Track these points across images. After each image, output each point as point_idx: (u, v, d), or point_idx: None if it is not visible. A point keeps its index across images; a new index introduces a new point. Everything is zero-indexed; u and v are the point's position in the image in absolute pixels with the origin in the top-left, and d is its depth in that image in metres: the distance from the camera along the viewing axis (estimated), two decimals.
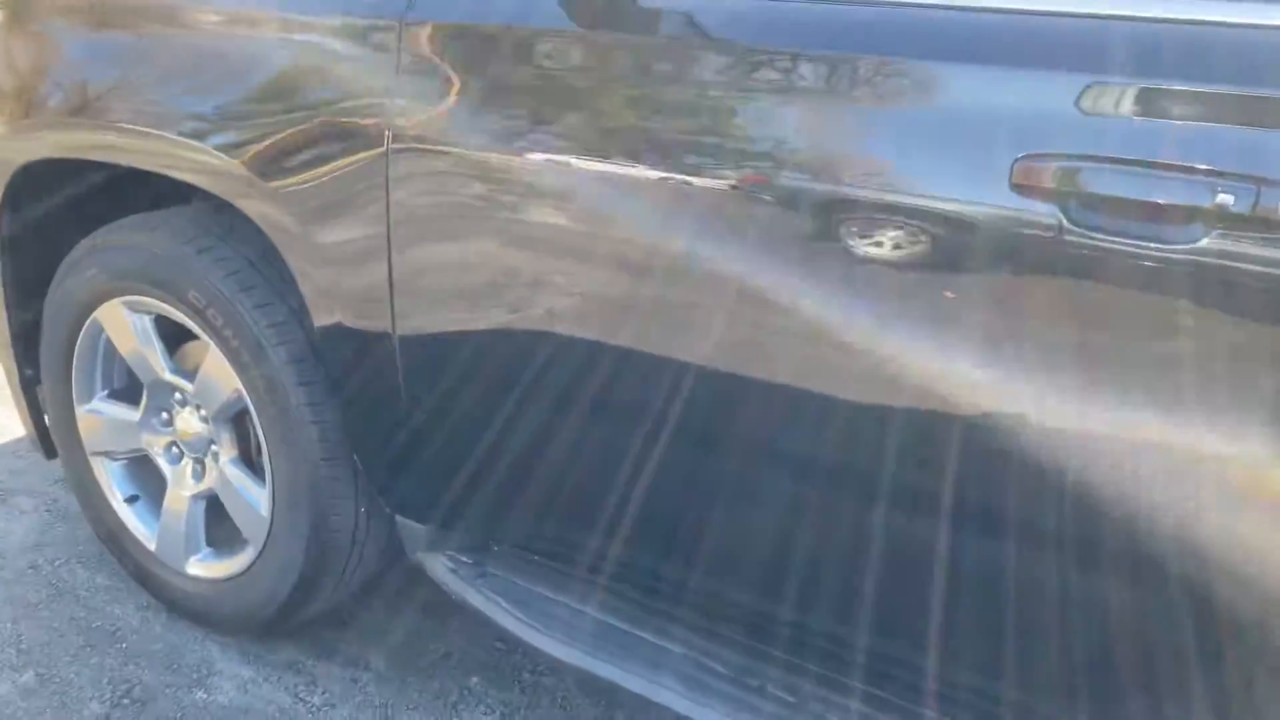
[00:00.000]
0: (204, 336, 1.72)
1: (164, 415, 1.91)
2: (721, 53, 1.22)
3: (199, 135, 1.57)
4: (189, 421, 1.87)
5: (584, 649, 1.51)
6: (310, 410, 1.65)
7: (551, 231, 1.35)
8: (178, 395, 1.87)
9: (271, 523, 1.76)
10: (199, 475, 1.90)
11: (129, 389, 1.97)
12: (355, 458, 1.67)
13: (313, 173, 1.47)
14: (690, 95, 1.22)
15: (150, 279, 1.73)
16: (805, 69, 1.17)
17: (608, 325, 1.34)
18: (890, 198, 1.09)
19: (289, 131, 1.46)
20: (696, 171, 1.20)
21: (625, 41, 1.28)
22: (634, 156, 1.24)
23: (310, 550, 1.73)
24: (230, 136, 1.54)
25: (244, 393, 1.70)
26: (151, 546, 1.97)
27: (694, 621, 1.50)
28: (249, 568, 1.84)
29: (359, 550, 1.78)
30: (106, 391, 1.97)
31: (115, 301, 1.82)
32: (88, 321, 1.88)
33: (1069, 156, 1.01)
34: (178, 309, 1.73)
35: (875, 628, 1.31)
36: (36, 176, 1.86)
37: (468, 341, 1.46)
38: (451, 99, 1.36)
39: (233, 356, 1.68)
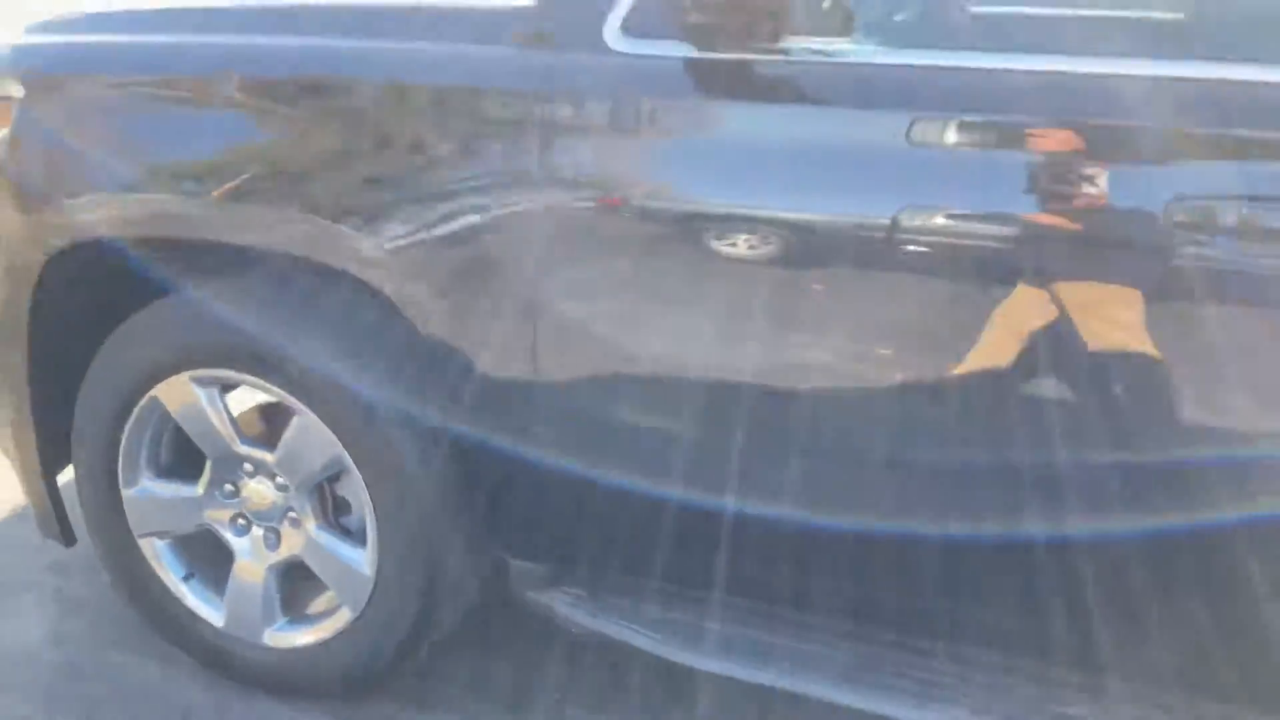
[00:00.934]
0: (297, 406, 1.71)
1: (229, 487, 1.87)
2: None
3: (335, 214, 1.58)
4: (261, 491, 1.85)
5: (725, 658, 1.63)
6: (424, 465, 1.68)
7: (685, 290, 1.46)
8: (247, 466, 1.84)
9: (376, 581, 1.78)
10: (274, 544, 1.88)
11: (175, 465, 1.92)
12: (478, 506, 1.72)
13: (458, 243, 1.52)
14: None
15: (236, 352, 1.71)
16: None
17: (718, 367, 1.48)
18: None
19: (435, 207, 1.51)
20: None
21: None
22: None
23: (423, 602, 1.76)
24: (363, 213, 1.56)
25: (345, 457, 1.71)
26: (219, 623, 1.93)
27: (810, 620, 1.65)
28: (344, 630, 1.83)
29: (461, 597, 1.82)
30: (153, 472, 1.91)
31: (182, 376, 1.78)
32: (143, 400, 1.82)
33: None
34: (267, 380, 1.71)
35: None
36: (69, 256, 1.79)
37: (604, 391, 1.55)
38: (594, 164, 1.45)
39: (335, 423, 1.69)
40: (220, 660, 1.95)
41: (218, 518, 1.90)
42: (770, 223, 1.40)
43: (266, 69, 1.63)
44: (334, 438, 1.71)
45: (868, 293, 1.39)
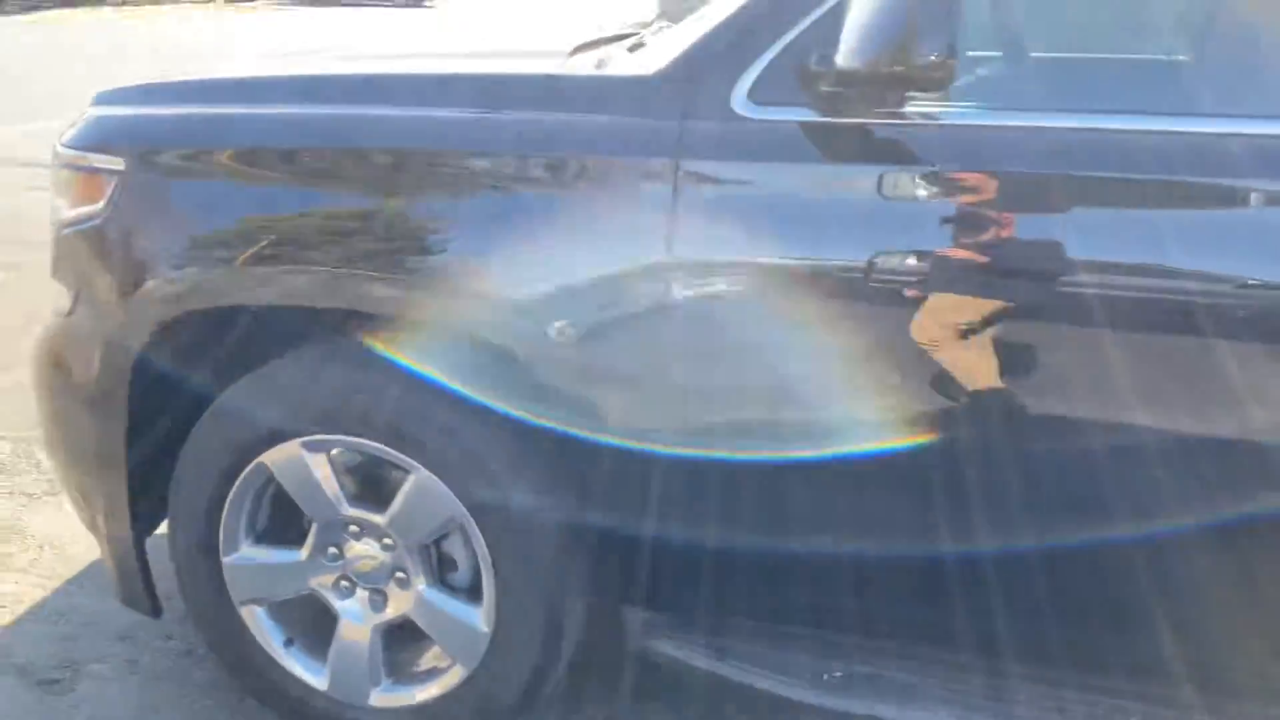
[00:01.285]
0: (413, 466, 1.74)
1: (332, 550, 1.88)
2: None
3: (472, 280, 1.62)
4: (367, 553, 1.86)
5: (851, 697, 1.69)
6: (546, 519, 1.72)
7: (818, 345, 1.53)
8: (352, 528, 1.85)
9: (493, 636, 1.80)
10: (380, 605, 1.89)
11: (272, 530, 1.93)
12: (600, 557, 1.75)
13: (592, 306, 1.57)
14: None
15: (355, 416, 1.73)
16: None
17: (865, 422, 1.55)
18: None
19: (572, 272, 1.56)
20: None
21: None
22: None
23: (542, 655, 1.78)
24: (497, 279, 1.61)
25: (465, 515, 1.73)
26: (323, 686, 1.92)
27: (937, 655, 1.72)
28: (456, 687, 1.85)
29: (575, 645, 1.85)
30: (252, 538, 1.91)
31: (294, 443, 1.79)
32: (250, 466, 1.83)
33: None
34: (386, 443, 1.74)
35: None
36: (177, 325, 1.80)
37: (740, 441, 1.61)
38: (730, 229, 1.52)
39: (456, 482, 1.71)
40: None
41: (322, 582, 1.90)
42: (904, 275, 1.47)
43: (390, 141, 1.66)
44: (453, 496, 1.73)
45: (995, 337, 1.47)
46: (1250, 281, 1.36)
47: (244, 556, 1.91)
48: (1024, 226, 1.46)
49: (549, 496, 1.72)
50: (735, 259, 1.53)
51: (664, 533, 1.69)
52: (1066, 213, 1.44)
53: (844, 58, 1.40)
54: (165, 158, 1.79)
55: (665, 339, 1.56)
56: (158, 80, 2.01)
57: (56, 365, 1.92)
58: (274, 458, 1.81)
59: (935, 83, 1.40)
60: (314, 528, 1.87)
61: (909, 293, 1.47)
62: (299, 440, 1.79)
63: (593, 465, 1.68)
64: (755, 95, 1.51)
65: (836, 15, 1.44)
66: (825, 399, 1.55)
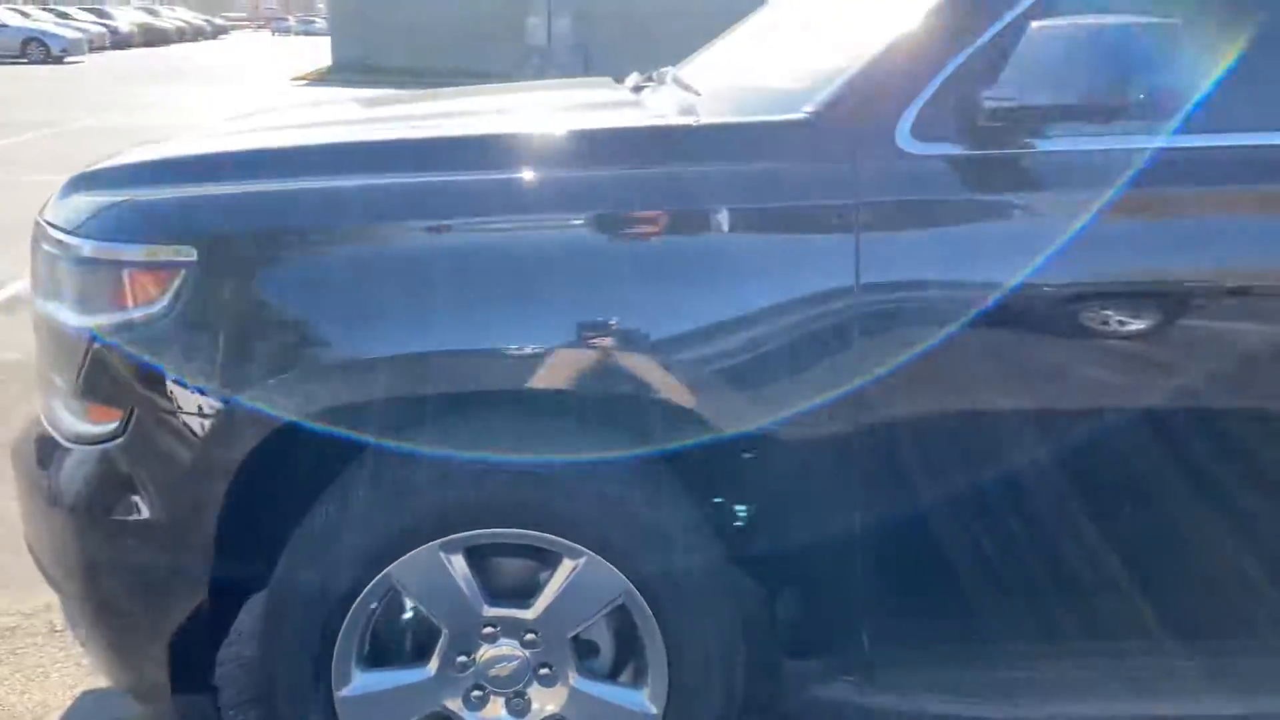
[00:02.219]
0: (571, 550, 1.61)
1: (462, 660, 1.70)
2: None
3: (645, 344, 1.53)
4: (506, 654, 1.69)
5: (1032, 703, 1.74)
6: (720, 586, 1.65)
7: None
8: (487, 630, 1.68)
9: (665, 716, 1.69)
10: (522, 709, 1.72)
11: (376, 651, 1.72)
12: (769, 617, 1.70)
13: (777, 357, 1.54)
14: None
15: (504, 508, 1.58)
16: None
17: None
18: None
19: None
20: None
21: None
22: None
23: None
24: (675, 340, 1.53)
25: (634, 594, 1.63)
26: None
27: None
28: None
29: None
30: (361, 664, 1.69)
31: (428, 546, 1.60)
32: (372, 582, 1.62)
33: None
34: (541, 530, 1.60)
35: None
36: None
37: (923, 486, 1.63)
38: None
39: (625, 561, 1.61)
40: None
41: (453, 699, 1.71)
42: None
43: (545, 210, 1.55)
44: (622, 577, 1.62)
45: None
46: None
47: (361, 686, 1.68)
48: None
49: (714, 556, 1.65)
50: (917, 295, 1.56)
51: (820, 575, 1.68)
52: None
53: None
54: (246, 243, 1.56)
55: (854, 382, 1.56)
56: (164, 155, 1.76)
57: (100, 504, 1.61)
58: (402, 567, 1.61)
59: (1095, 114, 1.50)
60: (444, 637, 1.68)
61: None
62: (437, 542, 1.60)
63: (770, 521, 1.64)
64: (917, 131, 1.55)
65: (990, 50, 1.52)
66: (1001, 416, 1.61)
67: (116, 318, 1.57)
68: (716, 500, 1.68)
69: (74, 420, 1.66)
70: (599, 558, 1.62)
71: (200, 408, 1.54)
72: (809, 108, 1.59)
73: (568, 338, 1.55)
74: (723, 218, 1.55)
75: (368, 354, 1.54)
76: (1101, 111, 1.52)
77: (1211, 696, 1.73)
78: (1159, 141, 1.57)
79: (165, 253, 1.54)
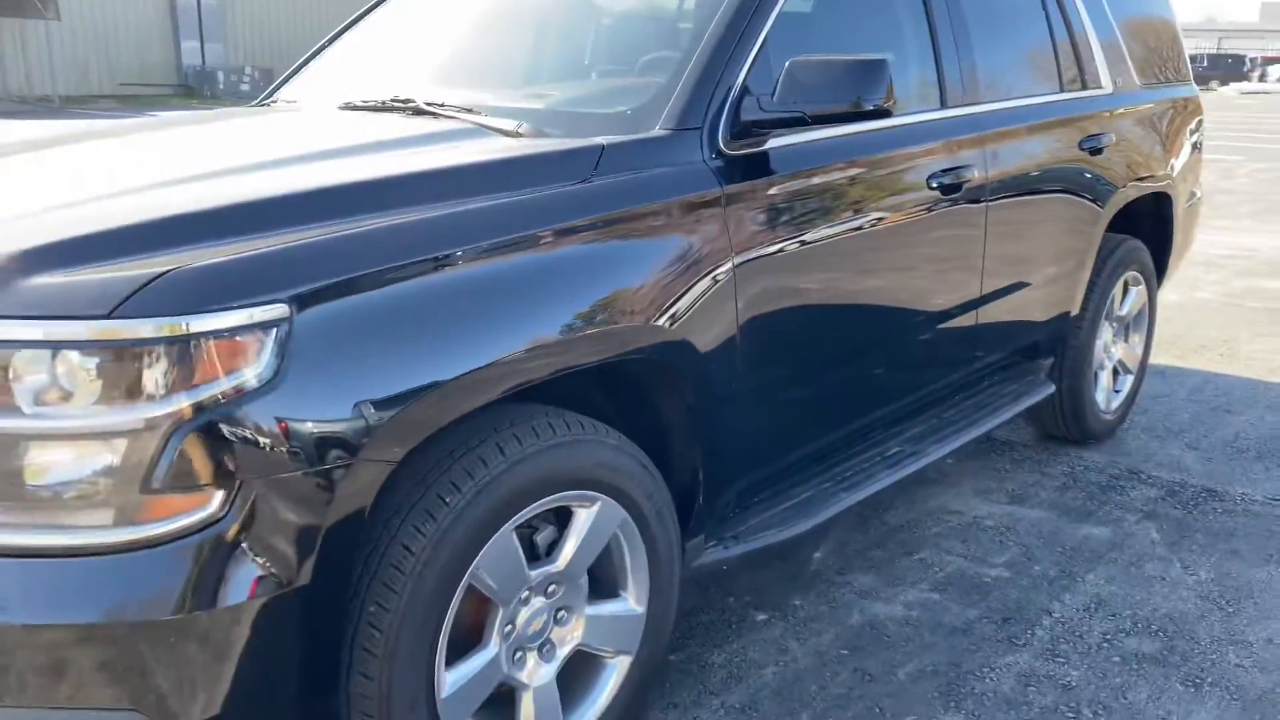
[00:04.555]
0: (592, 499, 1.97)
1: (508, 629, 1.93)
2: None
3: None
4: (534, 609, 1.97)
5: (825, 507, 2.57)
6: (665, 504, 2.15)
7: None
8: (524, 594, 1.94)
9: (648, 613, 2.15)
10: (551, 653, 2.01)
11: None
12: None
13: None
14: None
15: (561, 479, 1.88)
16: None
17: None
18: None
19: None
20: None
21: None
22: None
23: (676, 603, 2.21)
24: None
25: (629, 523, 2.05)
26: None
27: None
28: (626, 675, 2.13)
29: None
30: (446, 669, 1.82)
31: (504, 529, 1.82)
32: (461, 583, 1.77)
33: None
34: (581, 490, 1.93)
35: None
36: None
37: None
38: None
39: (626, 499, 2.02)
40: None
41: (508, 665, 1.93)
42: None
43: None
44: (623, 514, 2.03)
45: None
46: None
47: (452, 685, 1.81)
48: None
49: (658, 478, 2.14)
50: (763, 240, 2.22)
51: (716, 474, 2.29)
52: None
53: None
54: (333, 291, 1.57)
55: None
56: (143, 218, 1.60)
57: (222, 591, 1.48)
58: (484, 559, 1.80)
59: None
60: (500, 614, 1.89)
61: None
62: (509, 524, 1.82)
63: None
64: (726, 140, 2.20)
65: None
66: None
67: (199, 396, 1.45)
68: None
69: (120, 529, 1.46)
70: (610, 499, 2.00)
71: (326, 459, 1.53)
72: (658, 126, 2.14)
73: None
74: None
75: (477, 362, 1.70)
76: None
77: (930, 451, 2.82)
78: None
79: (257, 314, 1.48)
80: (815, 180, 2.36)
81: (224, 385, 1.47)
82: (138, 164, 2.20)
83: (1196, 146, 4.19)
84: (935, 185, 2.69)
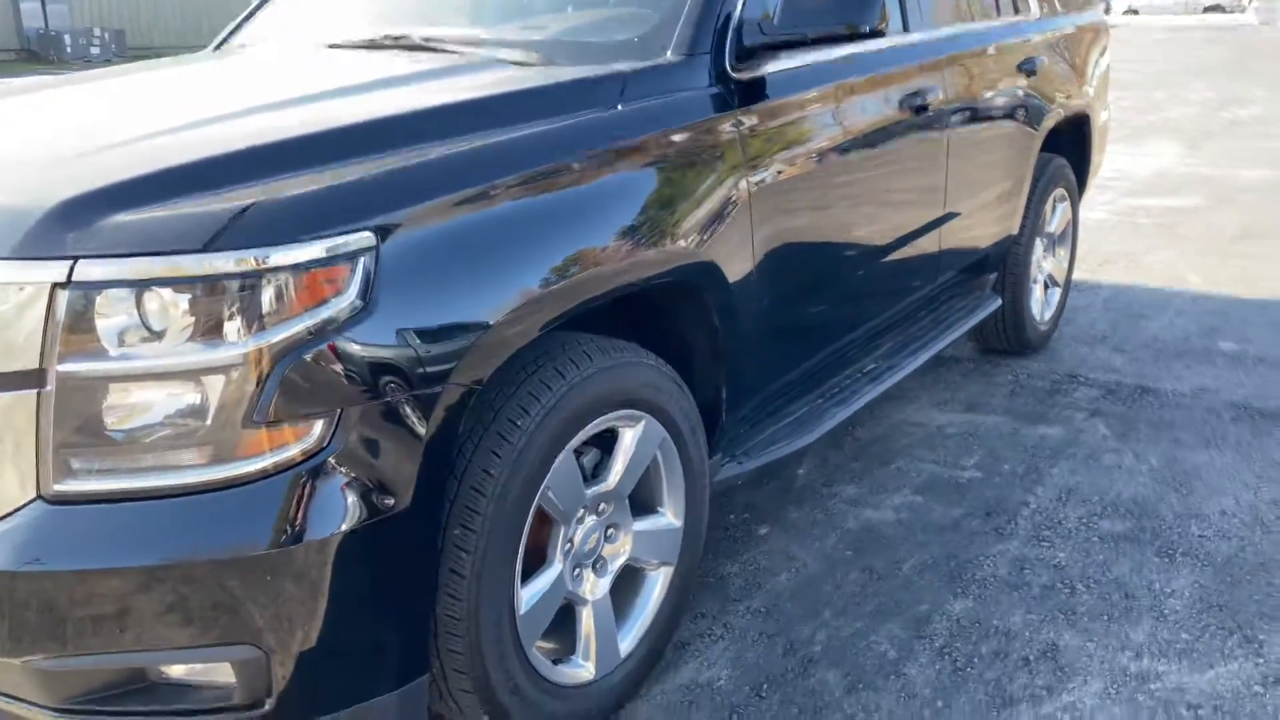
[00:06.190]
0: (637, 418, 2.03)
1: (566, 547, 1.99)
2: None
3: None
4: (589, 527, 2.03)
5: (823, 421, 2.69)
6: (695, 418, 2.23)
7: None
8: (579, 512, 2.00)
9: (685, 527, 2.23)
10: (604, 568, 2.08)
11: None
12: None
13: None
14: None
15: (612, 398, 1.93)
16: None
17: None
18: None
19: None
20: None
21: None
22: None
23: (705, 524, 2.30)
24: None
25: (668, 441, 2.12)
26: (592, 674, 2.03)
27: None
28: (669, 585, 2.21)
29: None
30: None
31: (565, 451, 1.86)
32: (535, 501, 1.82)
33: None
34: (632, 410, 1.99)
35: None
36: None
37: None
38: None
39: (669, 416, 2.09)
40: (604, 707, 2.06)
41: (570, 584, 1.99)
42: None
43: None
44: (664, 432, 2.10)
45: None
46: None
47: (528, 600, 1.86)
48: None
49: (690, 400, 2.22)
50: (771, 160, 2.29)
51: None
52: None
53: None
54: (418, 218, 1.57)
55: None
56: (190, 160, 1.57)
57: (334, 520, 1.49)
58: (553, 478, 1.84)
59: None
60: (562, 533, 1.95)
61: None
62: (571, 443, 1.87)
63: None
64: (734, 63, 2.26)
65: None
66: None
67: (293, 330, 1.45)
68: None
69: (221, 464, 1.45)
70: (652, 418, 2.06)
71: (419, 383, 1.55)
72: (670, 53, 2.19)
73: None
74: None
75: (549, 284, 1.73)
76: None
77: (904, 365, 2.96)
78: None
79: (345, 243, 1.48)
80: (813, 102, 2.44)
81: (318, 315, 1.47)
82: (160, 105, 2.11)
83: (1106, 68, 4.44)
84: (908, 106, 2.81)
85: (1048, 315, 4.15)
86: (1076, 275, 5.10)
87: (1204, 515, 2.84)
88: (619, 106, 2.02)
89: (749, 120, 2.24)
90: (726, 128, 2.19)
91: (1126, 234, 6.04)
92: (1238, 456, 3.18)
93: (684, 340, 2.25)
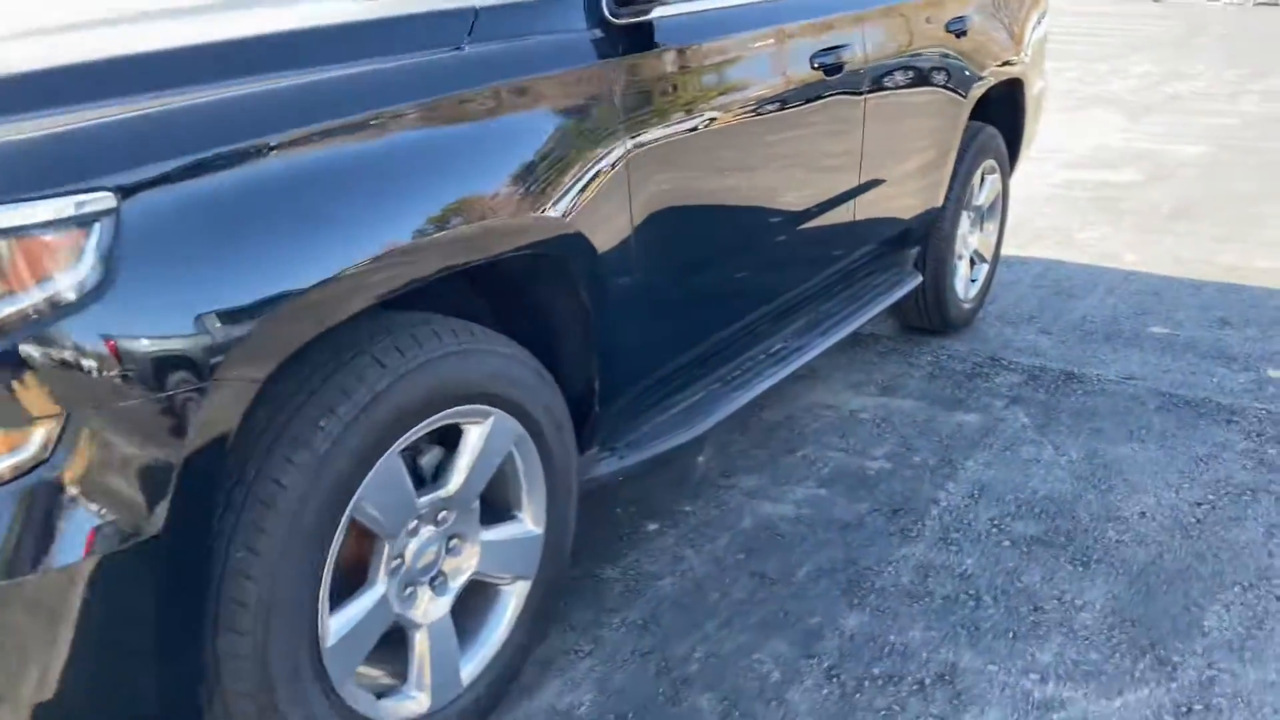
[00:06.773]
0: (485, 414, 1.75)
1: (395, 563, 1.71)
2: None
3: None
4: (424, 540, 1.76)
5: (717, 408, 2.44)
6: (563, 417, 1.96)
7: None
8: (411, 524, 1.72)
9: (545, 535, 1.96)
10: (443, 586, 1.81)
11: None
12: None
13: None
14: None
15: (451, 394, 1.65)
16: None
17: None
18: None
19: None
20: None
21: None
22: None
23: (572, 529, 2.04)
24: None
25: (526, 439, 1.85)
26: (428, 707, 1.77)
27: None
28: (525, 599, 1.95)
29: None
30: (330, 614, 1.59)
31: (390, 454, 1.59)
32: (343, 519, 1.54)
33: None
34: (471, 404, 1.71)
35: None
36: None
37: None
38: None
39: (522, 413, 1.81)
40: None
41: (397, 606, 1.71)
42: None
43: None
44: (520, 428, 1.82)
45: None
46: None
47: (339, 630, 1.59)
48: None
49: (556, 393, 1.94)
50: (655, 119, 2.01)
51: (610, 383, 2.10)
52: None
53: None
54: (179, 175, 1.26)
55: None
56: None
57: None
58: (367, 489, 1.56)
59: None
60: (386, 549, 1.67)
61: None
62: (394, 447, 1.59)
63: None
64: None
65: None
66: None
67: (8, 308, 1.14)
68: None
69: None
70: (504, 414, 1.79)
71: (171, 383, 1.25)
72: None
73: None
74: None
75: (346, 262, 1.43)
76: None
77: (814, 345, 2.72)
78: None
79: (73, 206, 1.16)
80: (705, 55, 2.15)
81: (35, 296, 1.16)
82: None
83: (1044, 35, 4.20)
84: (818, 65, 2.53)
85: (973, 293, 3.93)
86: (1006, 250, 4.90)
87: (1122, 517, 2.64)
88: (463, 48, 1.71)
89: (630, 72, 1.95)
90: (602, 78, 1.89)
91: (1061, 208, 5.86)
92: (1161, 451, 3.00)
93: (550, 323, 1.98)
